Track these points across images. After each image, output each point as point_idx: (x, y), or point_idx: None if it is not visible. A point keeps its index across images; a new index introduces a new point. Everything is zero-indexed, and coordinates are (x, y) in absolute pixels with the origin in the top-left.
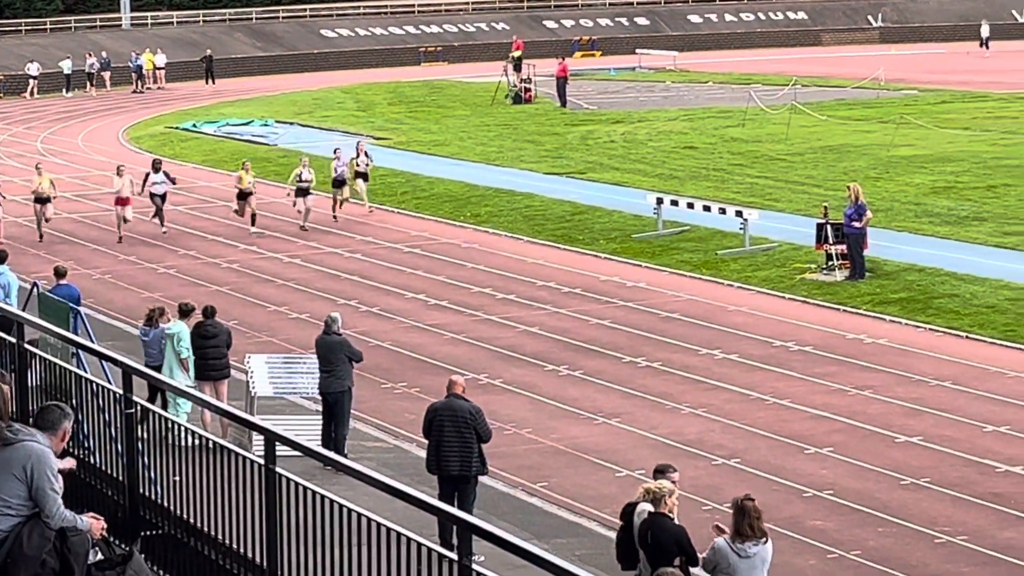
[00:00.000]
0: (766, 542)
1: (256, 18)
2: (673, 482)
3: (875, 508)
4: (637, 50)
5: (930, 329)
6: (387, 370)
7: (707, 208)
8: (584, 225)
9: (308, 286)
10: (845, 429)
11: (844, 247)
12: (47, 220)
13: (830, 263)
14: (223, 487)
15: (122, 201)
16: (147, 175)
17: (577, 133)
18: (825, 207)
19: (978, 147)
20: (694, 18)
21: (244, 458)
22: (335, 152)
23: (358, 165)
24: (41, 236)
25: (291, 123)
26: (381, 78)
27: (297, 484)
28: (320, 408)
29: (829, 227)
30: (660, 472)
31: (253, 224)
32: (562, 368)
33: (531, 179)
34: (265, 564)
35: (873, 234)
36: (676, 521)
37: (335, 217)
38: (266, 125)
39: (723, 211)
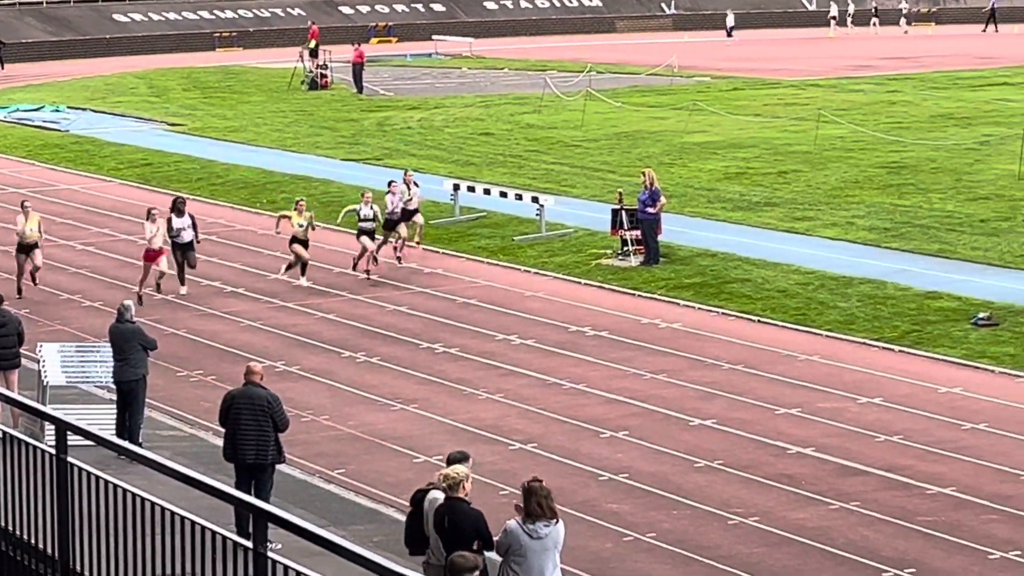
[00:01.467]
0: (557, 523)
1: (47, 2)
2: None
3: (669, 491)
4: (433, 36)
5: (723, 313)
6: (183, 358)
7: (503, 194)
8: (381, 212)
9: (101, 274)
10: (640, 413)
11: (639, 233)
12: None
13: (625, 249)
14: (13, 478)
15: (152, 256)
16: (168, 220)
17: (373, 119)
18: (620, 193)
19: (769, 133)
20: (490, 4)
21: (35, 448)
22: (390, 186)
23: (408, 203)
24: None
25: (83, 109)
26: (175, 63)
27: (90, 474)
28: (114, 397)
29: (624, 213)
30: (454, 460)
31: (303, 274)
32: (359, 355)
33: (328, 165)
34: (57, 555)
35: (667, 220)
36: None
37: (398, 259)
38: (57, 111)
39: (519, 197)
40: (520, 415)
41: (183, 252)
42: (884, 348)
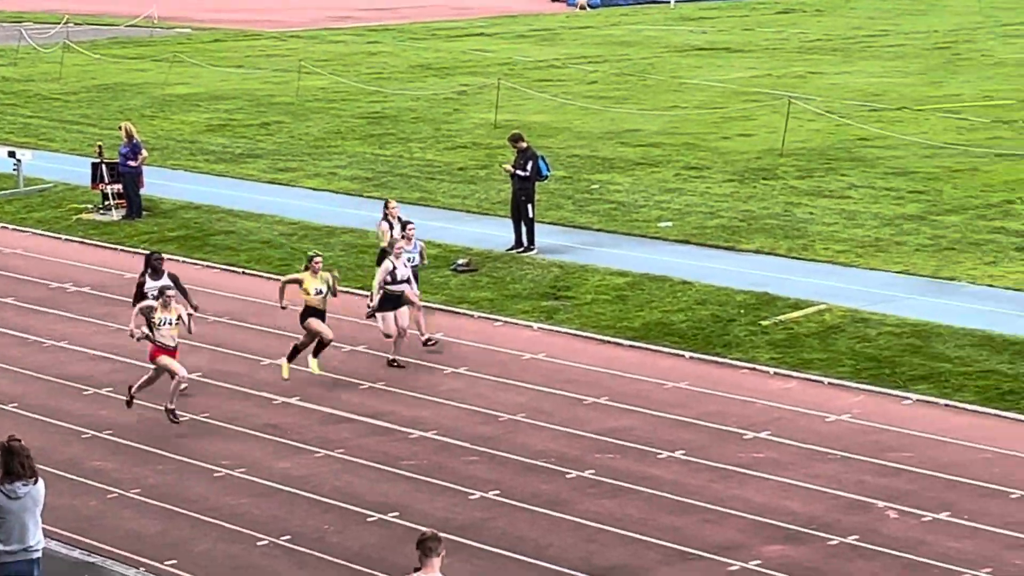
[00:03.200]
0: (37, 482)
1: None
2: None
3: (156, 446)
4: None
5: (208, 266)
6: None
7: None
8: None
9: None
10: (123, 368)
11: (120, 186)
12: None
13: (107, 203)
14: None
15: (167, 354)
16: (139, 283)
17: None
18: (99, 146)
19: (251, 85)
20: None
21: None
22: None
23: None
24: None
25: None
26: None
27: None
28: None
29: (104, 166)
30: None
31: (316, 354)
32: None
33: None
34: None
35: (149, 173)
36: None
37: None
38: None
39: None
40: (1, 375)
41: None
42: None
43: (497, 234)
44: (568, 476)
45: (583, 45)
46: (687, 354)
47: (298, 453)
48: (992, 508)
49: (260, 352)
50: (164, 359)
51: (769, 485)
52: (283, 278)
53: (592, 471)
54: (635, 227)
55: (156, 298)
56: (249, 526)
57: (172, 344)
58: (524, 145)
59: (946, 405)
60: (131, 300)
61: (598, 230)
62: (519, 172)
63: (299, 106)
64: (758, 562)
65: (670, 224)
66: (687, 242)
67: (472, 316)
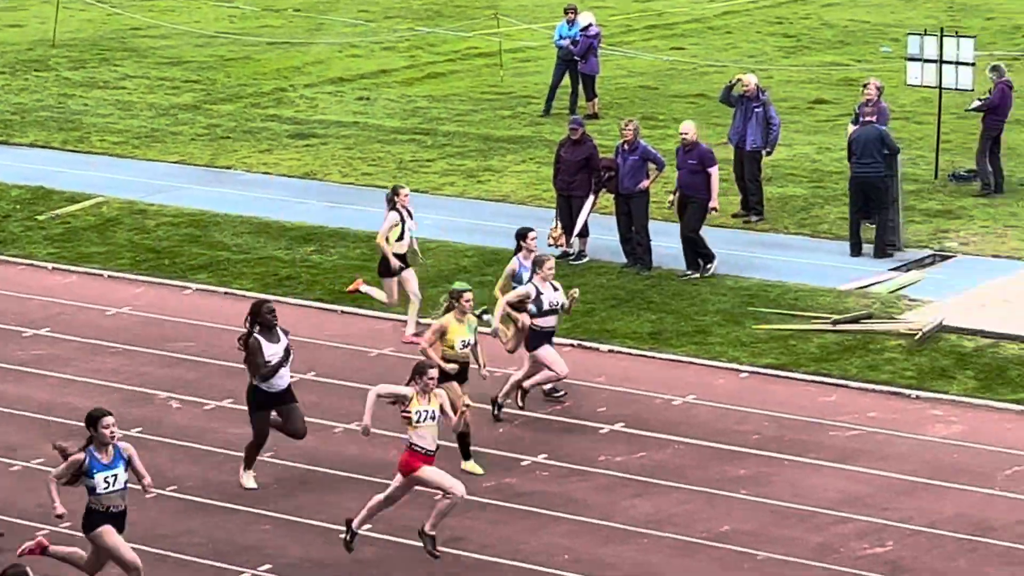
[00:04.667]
0: None
1: None
2: None
3: None
4: None
5: None
6: None
7: None
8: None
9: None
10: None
11: None
12: None
13: None
14: None
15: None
16: (252, 346)
17: None
18: None
19: None
20: None
21: None
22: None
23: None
24: None
25: None
26: None
27: None
28: None
29: None
30: None
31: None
32: None
33: None
34: None
35: None
36: None
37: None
38: None
39: None
40: None
41: (285, 408)
42: None
43: None
44: None
45: None
46: None
47: None
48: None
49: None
50: (429, 472)
51: (50, 382)
52: (424, 340)
53: None
54: None
55: (275, 367)
56: None
57: (433, 448)
58: None
59: (226, 293)
60: (247, 369)
61: None
62: None
63: None
64: (40, 460)
65: None
66: None
67: None
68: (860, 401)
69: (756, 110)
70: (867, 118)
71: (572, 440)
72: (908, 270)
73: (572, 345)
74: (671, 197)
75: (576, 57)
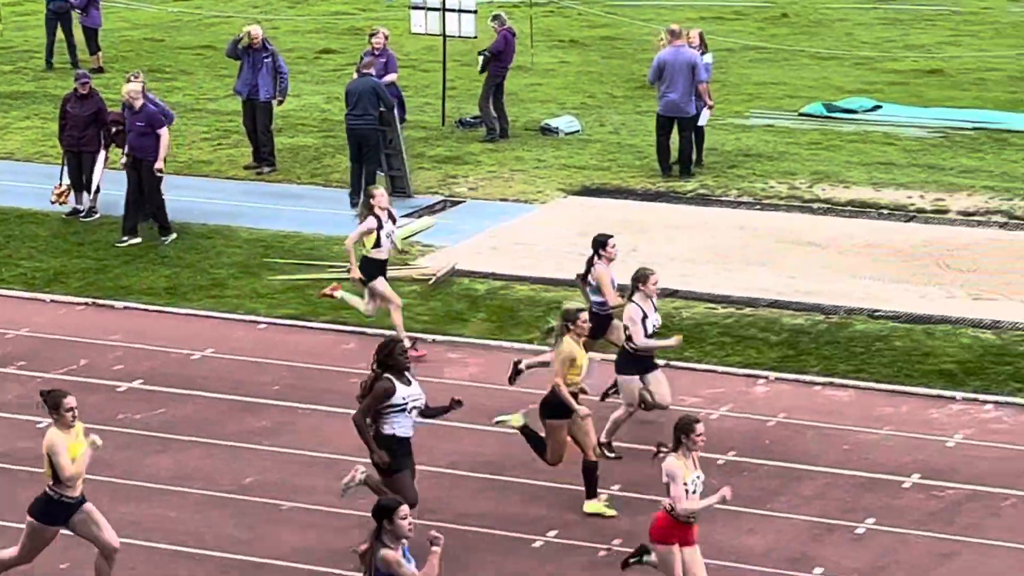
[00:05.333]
0: None
1: None
2: None
3: None
4: None
5: None
6: None
7: None
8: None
9: None
10: None
11: None
12: None
13: None
14: None
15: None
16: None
17: None
18: None
19: None
20: None
21: None
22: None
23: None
24: None
25: None
26: None
27: None
28: None
29: None
30: None
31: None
32: None
33: None
34: None
35: None
36: None
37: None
38: None
39: None
40: None
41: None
42: None
43: None
44: None
45: None
46: None
47: None
48: None
49: None
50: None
51: None
52: (557, 376)
53: None
54: None
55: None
56: None
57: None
58: None
59: None
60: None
61: None
62: None
63: None
64: None
65: None
66: None
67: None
68: (375, 347)
69: (266, 60)
70: (365, 70)
71: (89, 398)
72: (419, 216)
73: (86, 304)
74: (123, 160)
75: (76, 9)
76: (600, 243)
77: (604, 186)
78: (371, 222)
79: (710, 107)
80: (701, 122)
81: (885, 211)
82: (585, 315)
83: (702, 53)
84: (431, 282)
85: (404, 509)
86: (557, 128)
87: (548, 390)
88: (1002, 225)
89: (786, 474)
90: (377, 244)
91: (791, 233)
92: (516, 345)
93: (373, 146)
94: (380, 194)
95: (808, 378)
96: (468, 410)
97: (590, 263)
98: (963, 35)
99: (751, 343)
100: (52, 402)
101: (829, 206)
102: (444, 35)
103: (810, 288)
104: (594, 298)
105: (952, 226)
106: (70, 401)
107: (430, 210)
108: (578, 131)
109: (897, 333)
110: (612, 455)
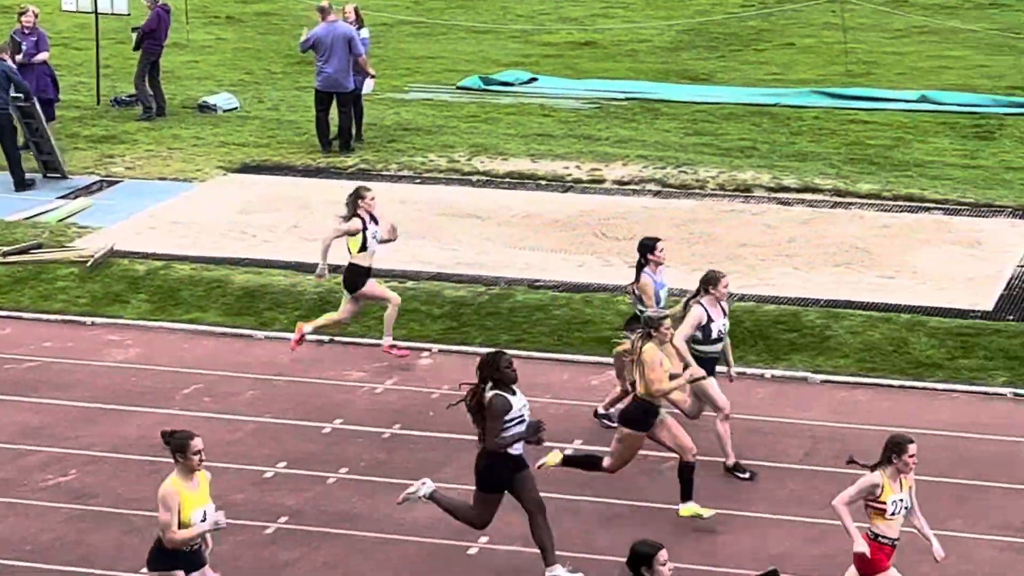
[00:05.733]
0: None
1: None
2: None
3: None
4: None
5: None
6: None
7: None
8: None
9: None
10: None
11: None
12: None
13: None
14: None
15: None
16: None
17: None
18: None
19: None
20: None
21: None
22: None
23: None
24: None
25: None
26: None
27: None
28: None
29: None
30: None
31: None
32: None
33: None
34: None
35: None
36: None
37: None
38: None
39: None
40: None
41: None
42: None
43: None
44: None
45: None
46: None
47: None
48: None
49: None
50: None
51: None
52: (656, 380)
53: None
54: None
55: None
56: None
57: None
58: None
59: None
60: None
61: None
62: None
63: None
64: None
65: None
66: None
67: None
68: (35, 332)
69: None
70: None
71: None
72: (76, 197)
73: None
74: None
75: None
76: (648, 247)
77: (264, 163)
78: (356, 223)
79: (373, 76)
80: (365, 90)
81: (543, 182)
82: (668, 322)
83: (358, 28)
84: (88, 264)
85: (663, 554)
86: (215, 105)
87: (628, 401)
88: (656, 193)
89: (448, 446)
90: (363, 248)
91: (451, 206)
92: (178, 325)
93: (4, 128)
94: (372, 196)
95: (471, 349)
96: (136, 390)
97: (639, 269)
98: (615, 7)
99: (414, 316)
100: (177, 444)
101: (488, 178)
102: (96, 12)
103: (471, 260)
104: (637, 306)
105: (608, 195)
106: (197, 443)
107: (87, 191)
108: (236, 108)
109: (558, 302)
110: (745, 475)
